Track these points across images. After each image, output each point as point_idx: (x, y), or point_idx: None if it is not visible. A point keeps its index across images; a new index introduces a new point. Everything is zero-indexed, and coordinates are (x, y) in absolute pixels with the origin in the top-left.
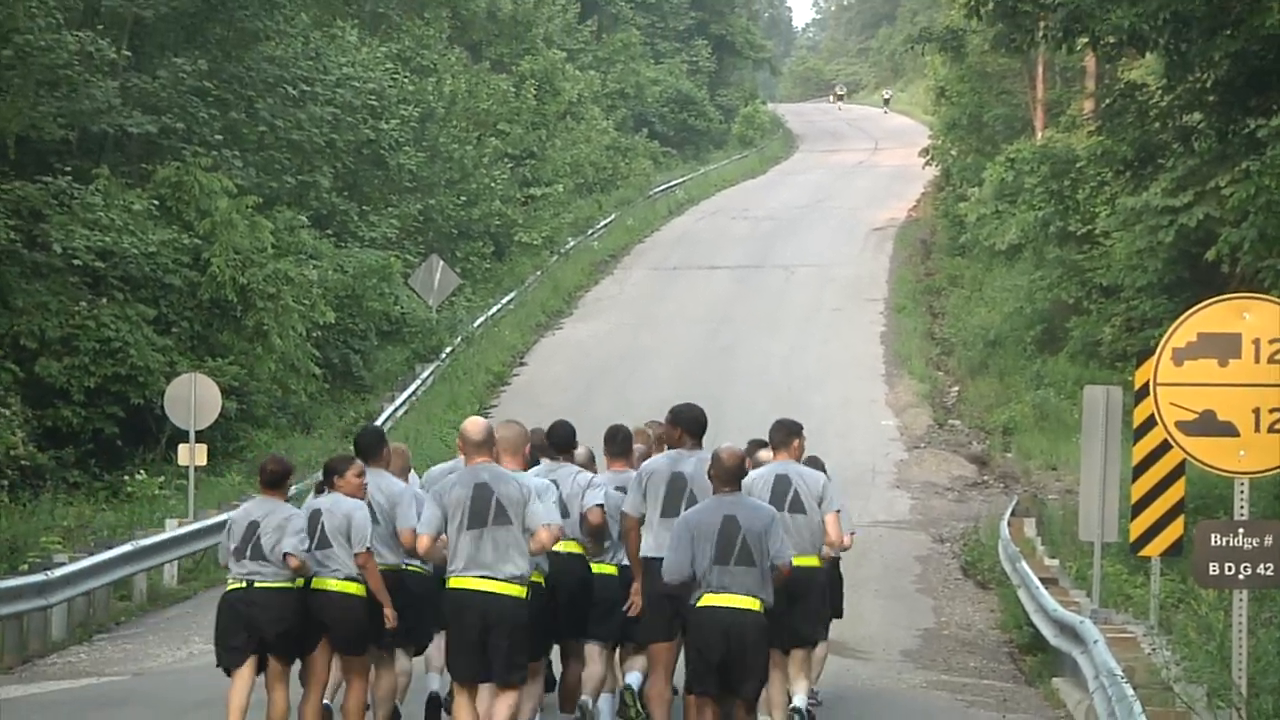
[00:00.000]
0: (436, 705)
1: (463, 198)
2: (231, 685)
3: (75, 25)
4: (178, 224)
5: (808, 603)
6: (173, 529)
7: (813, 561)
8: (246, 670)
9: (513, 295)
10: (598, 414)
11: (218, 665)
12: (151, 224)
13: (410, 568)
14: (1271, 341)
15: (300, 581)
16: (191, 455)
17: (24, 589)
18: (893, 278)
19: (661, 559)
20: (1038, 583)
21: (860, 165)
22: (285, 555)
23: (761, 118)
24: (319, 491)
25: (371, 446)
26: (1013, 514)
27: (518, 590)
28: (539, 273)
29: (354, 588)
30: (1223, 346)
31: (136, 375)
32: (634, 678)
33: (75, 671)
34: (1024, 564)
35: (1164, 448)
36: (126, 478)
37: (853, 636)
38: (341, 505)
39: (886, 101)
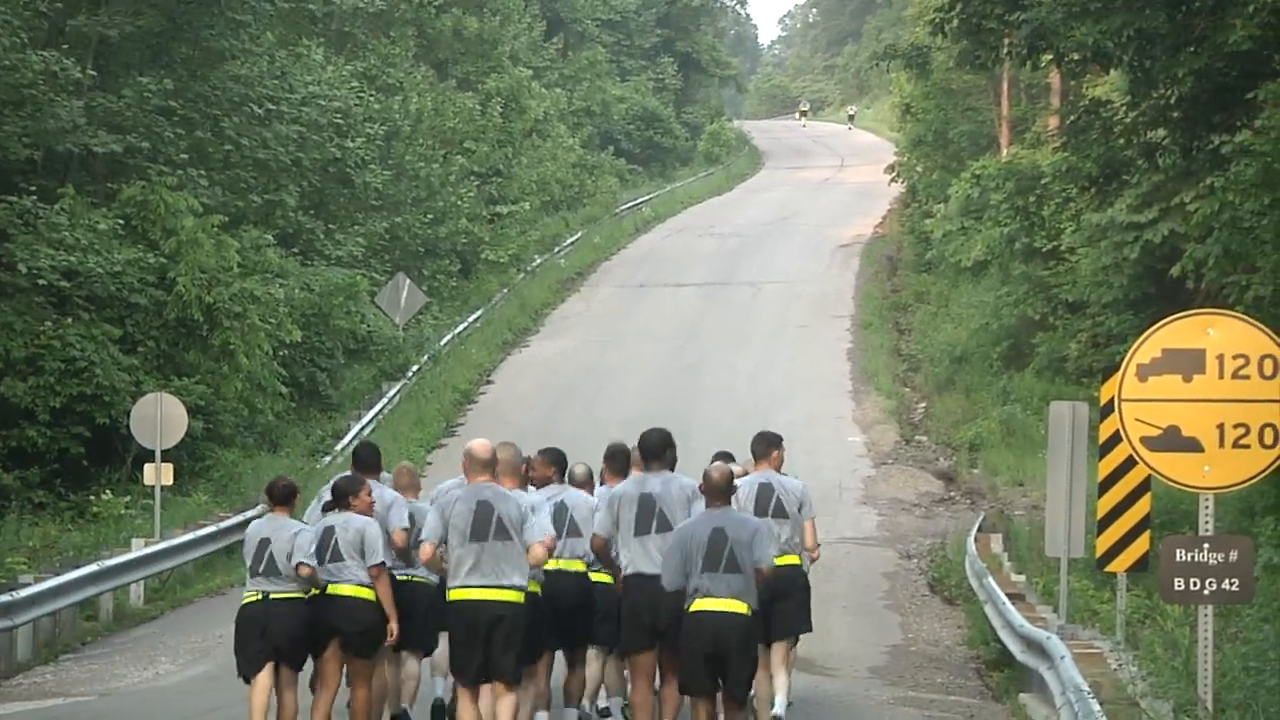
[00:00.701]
0: (441, 710)
1: (429, 216)
2: (252, 689)
3: (40, 45)
4: (143, 243)
5: (793, 597)
6: (139, 549)
7: (794, 560)
8: (264, 675)
9: (479, 313)
10: (565, 431)
11: (239, 675)
12: (117, 243)
13: (416, 579)
14: (1235, 357)
15: (315, 590)
16: (158, 475)
17: None
18: (859, 294)
19: (638, 574)
20: (1004, 598)
21: (826, 182)
22: (298, 565)
23: (727, 135)
24: (327, 511)
25: (373, 461)
26: (979, 530)
27: (517, 597)
28: (506, 290)
29: (366, 592)
30: (1187, 362)
31: (102, 395)
32: (615, 703)
33: (41, 692)
34: (991, 580)
35: (1129, 463)
36: (92, 498)
37: (820, 653)
38: (354, 522)
39: (851, 118)
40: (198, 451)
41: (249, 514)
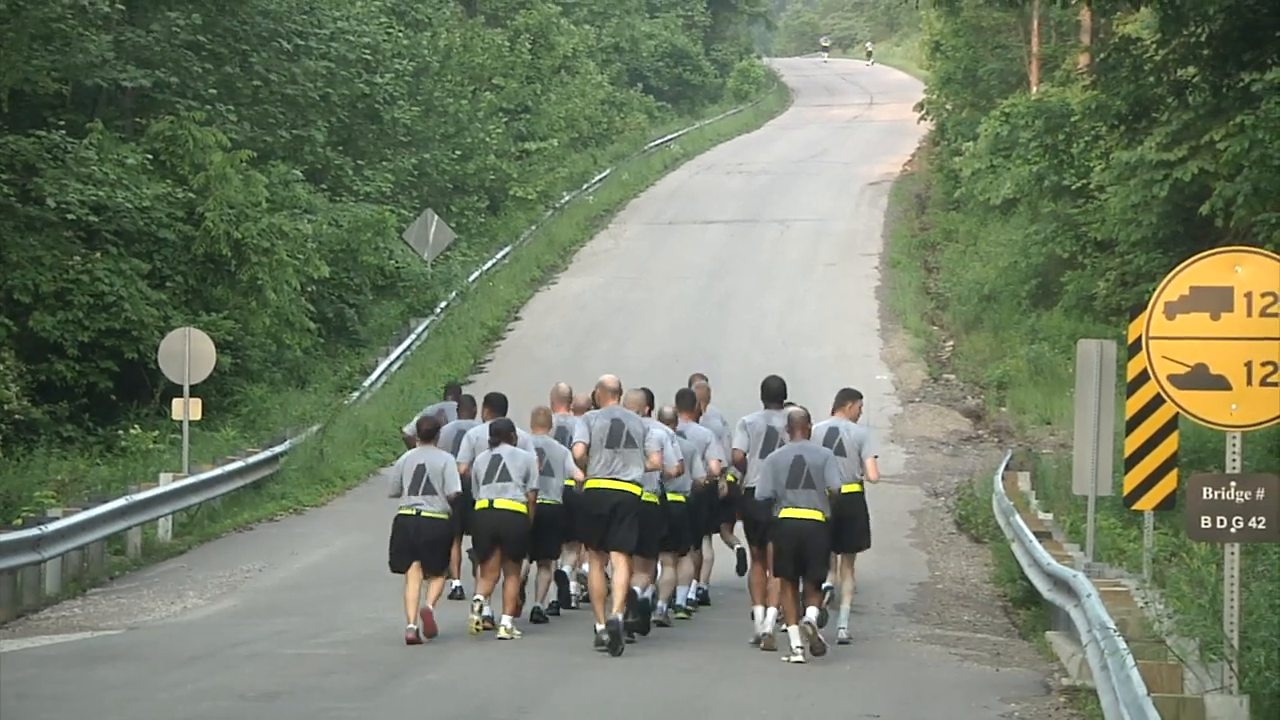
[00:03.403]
0: (564, 577)
1: (457, 152)
2: (406, 582)
3: None
4: (172, 178)
5: (856, 520)
6: (167, 483)
7: (856, 488)
8: (413, 571)
9: (507, 250)
10: (592, 368)
11: (391, 569)
12: (145, 178)
13: (546, 500)
14: (1264, 295)
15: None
16: (185, 410)
17: (18, 543)
18: (887, 232)
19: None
20: (1031, 537)
21: (855, 120)
22: (453, 492)
23: (757, 72)
24: (494, 442)
25: (504, 406)
26: (1007, 468)
27: (635, 489)
28: (534, 227)
29: (522, 507)
30: (1215, 300)
31: (131, 330)
32: (682, 591)
33: (69, 626)
34: (1018, 518)
35: (1157, 402)
36: (121, 432)
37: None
38: (520, 454)
39: (869, 54)
40: (226, 387)
41: (277, 449)
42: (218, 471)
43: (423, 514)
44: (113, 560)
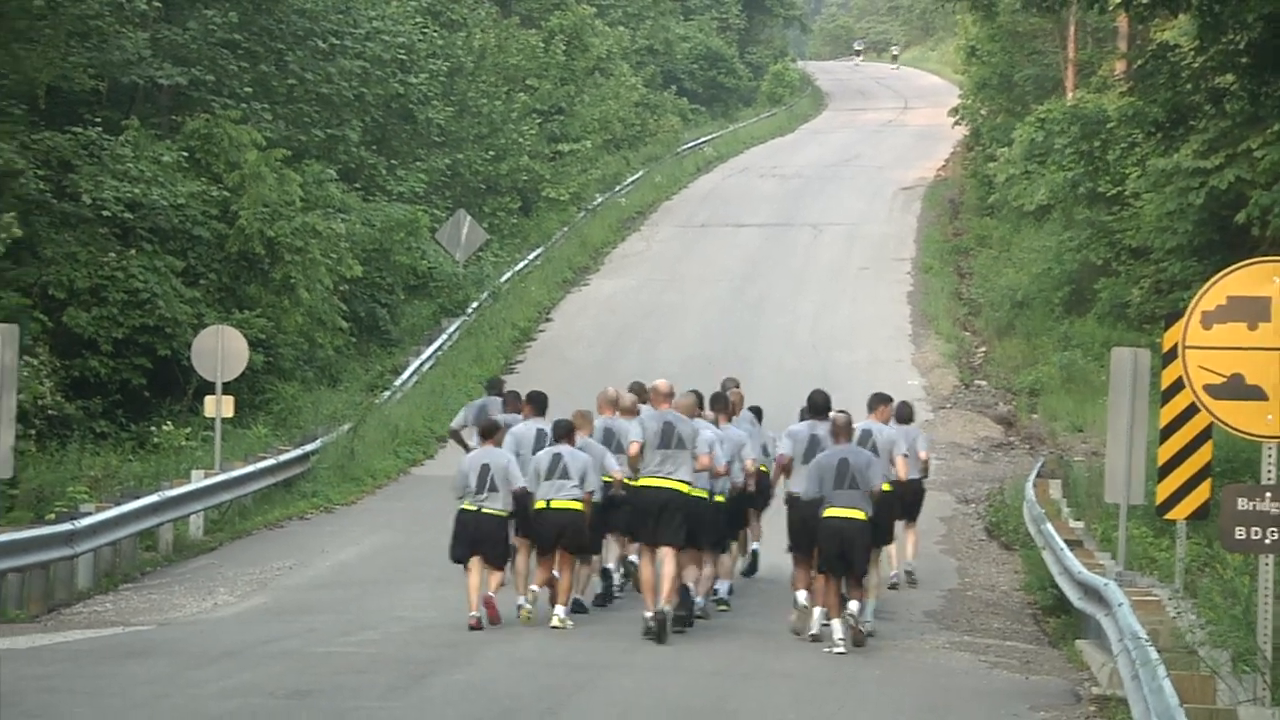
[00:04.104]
0: (608, 574)
1: (491, 153)
2: (468, 573)
3: None
4: (206, 176)
5: (884, 518)
6: (199, 480)
7: (886, 488)
8: (475, 563)
9: (540, 251)
10: (624, 371)
11: (451, 559)
12: (180, 176)
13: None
14: None
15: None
16: (218, 407)
17: (51, 538)
18: (920, 237)
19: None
20: (1062, 544)
21: (889, 124)
22: (519, 489)
23: (791, 76)
24: (556, 442)
25: (544, 405)
26: (1038, 475)
27: (684, 487)
28: (566, 229)
29: (579, 505)
30: (1252, 310)
31: (164, 326)
32: (722, 585)
33: (101, 621)
34: (1049, 526)
35: (1191, 411)
36: (153, 429)
37: (875, 596)
38: (579, 455)
39: (895, 58)
40: (258, 384)
41: (308, 447)
42: (249, 469)
43: (483, 510)
44: (144, 556)
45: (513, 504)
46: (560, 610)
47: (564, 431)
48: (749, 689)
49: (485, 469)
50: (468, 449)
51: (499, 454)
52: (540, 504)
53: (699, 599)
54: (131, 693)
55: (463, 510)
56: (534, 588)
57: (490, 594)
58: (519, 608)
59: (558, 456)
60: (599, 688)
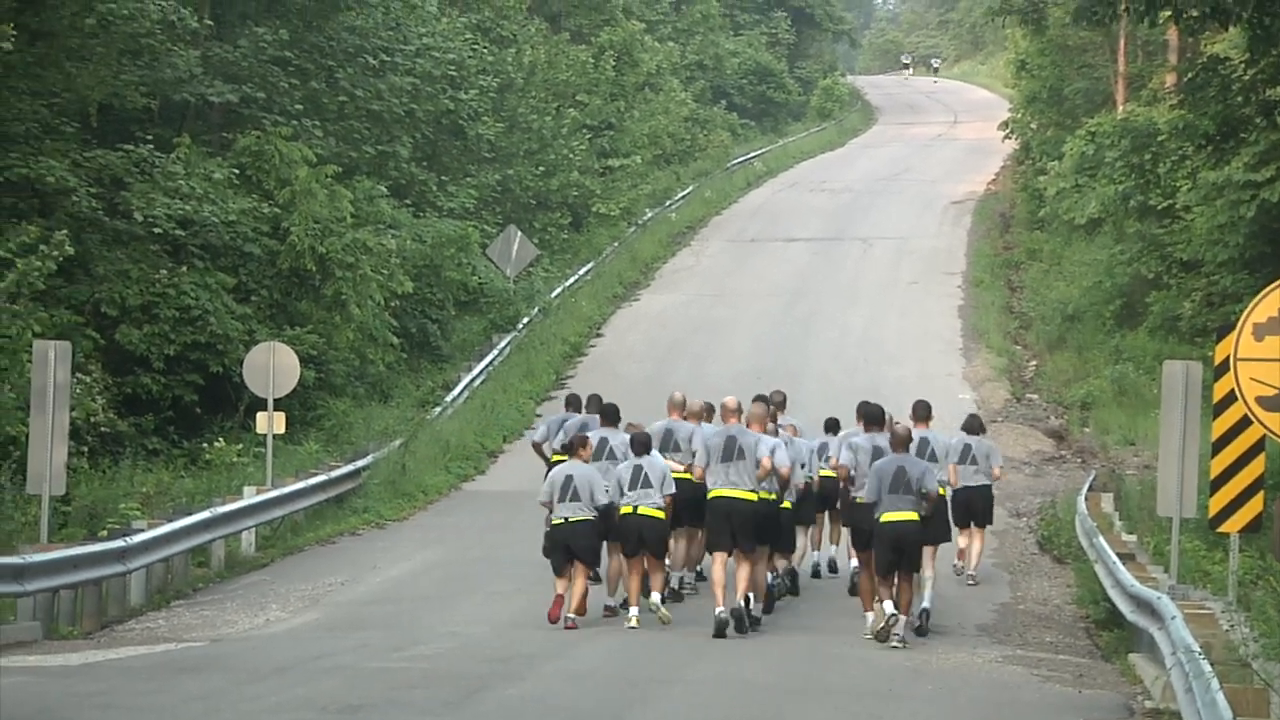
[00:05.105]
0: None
1: (541, 168)
2: (558, 579)
3: None
4: (258, 193)
5: (934, 519)
6: (251, 496)
7: (941, 491)
8: (566, 569)
9: (590, 266)
10: (674, 385)
11: (555, 574)
12: (231, 192)
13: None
14: None
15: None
16: (270, 423)
17: (103, 555)
18: (971, 251)
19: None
20: (1115, 558)
21: (939, 138)
22: (601, 503)
23: (840, 90)
24: (638, 455)
25: (617, 415)
26: (1090, 489)
27: (751, 496)
28: (616, 244)
29: (660, 512)
30: None
31: (216, 343)
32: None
33: (153, 637)
34: (1101, 539)
35: (1244, 423)
36: (205, 445)
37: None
38: (658, 464)
39: (935, 70)
40: (309, 401)
41: (359, 463)
42: (301, 485)
43: (570, 520)
44: (196, 572)
45: (595, 514)
46: (655, 596)
47: (642, 445)
48: (802, 704)
49: (569, 480)
50: (548, 461)
51: (583, 468)
52: (627, 509)
53: (770, 577)
54: (184, 709)
55: (554, 526)
56: (631, 598)
57: (577, 595)
58: (607, 607)
59: (639, 468)
60: (653, 702)
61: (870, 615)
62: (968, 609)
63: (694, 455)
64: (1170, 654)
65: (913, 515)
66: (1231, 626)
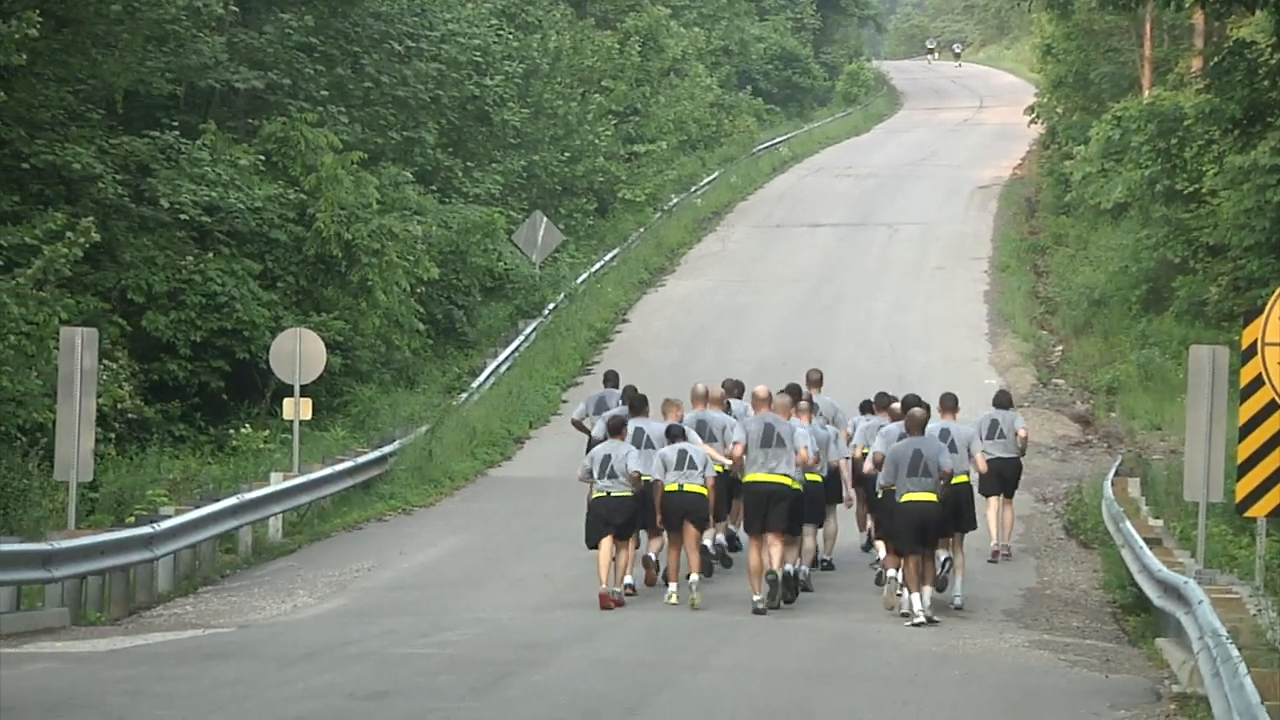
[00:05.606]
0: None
1: (566, 154)
2: (600, 552)
3: None
4: (283, 179)
5: (961, 507)
6: (278, 483)
7: (964, 479)
8: (606, 543)
9: (616, 252)
10: (699, 371)
11: (587, 545)
12: (257, 179)
13: (650, 478)
14: None
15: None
16: (296, 409)
17: (131, 541)
18: (997, 236)
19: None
20: (1142, 543)
21: (965, 123)
22: (634, 472)
23: (866, 75)
24: (672, 442)
25: (645, 404)
26: (1116, 474)
27: (787, 480)
28: (642, 230)
29: (704, 489)
30: None
31: (242, 330)
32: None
33: (181, 623)
34: (1128, 524)
35: (1271, 408)
36: (232, 431)
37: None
38: (699, 450)
39: (957, 55)
40: (336, 387)
41: (386, 449)
42: (327, 471)
43: (612, 494)
44: (224, 559)
45: (633, 487)
46: (695, 578)
47: (679, 433)
48: (829, 690)
49: (607, 459)
50: (589, 435)
51: (621, 446)
52: (673, 486)
53: (803, 567)
54: (212, 694)
55: (595, 499)
56: (651, 554)
57: (650, 554)
58: (645, 559)
59: (683, 452)
60: (679, 688)
61: (891, 571)
62: (994, 594)
63: (733, 443)
64: (1197, 638)
65: (932, 496)
66: (1259, 611)
